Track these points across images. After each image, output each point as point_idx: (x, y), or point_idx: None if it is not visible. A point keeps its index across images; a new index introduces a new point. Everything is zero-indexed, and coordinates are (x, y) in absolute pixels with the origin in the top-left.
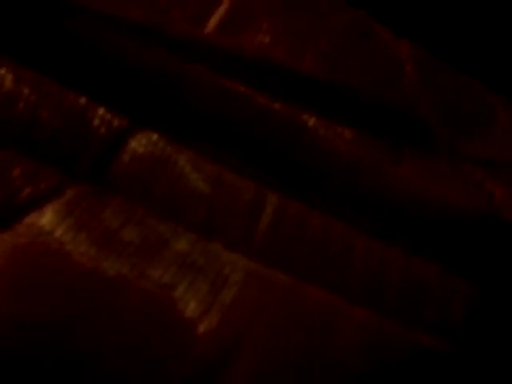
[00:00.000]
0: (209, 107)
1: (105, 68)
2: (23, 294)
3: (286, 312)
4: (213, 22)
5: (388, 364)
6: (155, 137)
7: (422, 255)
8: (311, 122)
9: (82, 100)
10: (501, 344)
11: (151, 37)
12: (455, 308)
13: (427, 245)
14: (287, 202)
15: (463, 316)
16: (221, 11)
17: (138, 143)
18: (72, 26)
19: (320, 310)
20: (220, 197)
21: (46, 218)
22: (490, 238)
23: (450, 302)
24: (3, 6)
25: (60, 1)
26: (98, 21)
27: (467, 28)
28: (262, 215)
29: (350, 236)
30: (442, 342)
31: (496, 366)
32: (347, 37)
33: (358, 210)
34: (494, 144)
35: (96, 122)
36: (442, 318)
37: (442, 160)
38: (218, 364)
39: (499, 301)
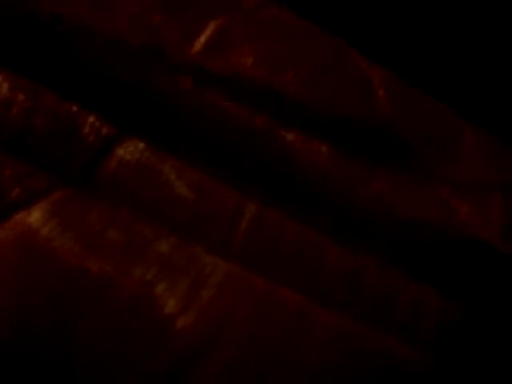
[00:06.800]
0: (194, 119)
1: (97, 79)
2: (8, 289)
3: (261, 313)
4: (197, 46)
5: (359, 368)
6: (142, 145)
7: (392, 265)
8: (290, 136)
9: (74, 108)
10: (471, 353)
11: (141, 52)
12: (425, 316)
13: (398, 255)
14: (265, 211)
15: (433, 325)
16: (207, 33)
17: (125, 151)
18: (67, 42)
19: (294, 313)
20: (202, 203)
21: (34, 216)
22: (456, 251)
23: (421, 310)
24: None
25: (55, 19)
26: (92, 37)
27: (438, 55)
28: (241, 222)
29: (323, 244)
30: (412, 349)
31: (466, 375)
32: (325, 61)
33: (332, 221)
34: (461, 166)
35: (86, 129)
36: (412, 326)
37: (413, 178)
38: (195, 357)
39: (468, 310)
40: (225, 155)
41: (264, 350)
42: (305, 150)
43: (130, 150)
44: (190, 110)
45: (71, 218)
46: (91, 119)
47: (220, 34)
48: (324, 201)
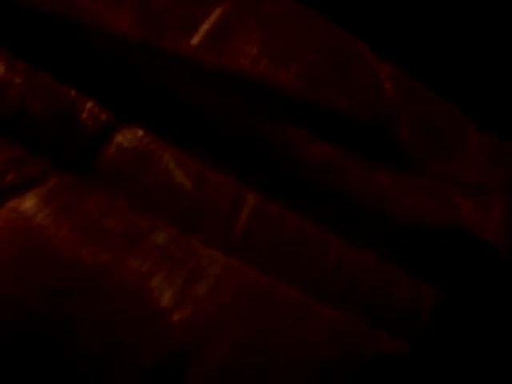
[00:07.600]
0: (194, 110)
1: (97, 64)
2: (1, 275)
3: (258, 308)
4: (201, 32)
5: (356, 366)
6: (141, 133)
7: (393, 260)
8: (291, 130)
9: (72, 93)
10: (464, 350)
11: (141, 41)
12: (423, 313)
13: (398, 251)
14: (265, 203)
15: (430, 321)
16: (210, 22)
17: (124, 138)
18: (67, 30)
19: (292, 309)
20: (201, 194)
21: (28, 203)
22: (457, 248)
23: (420, 308)
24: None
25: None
26: (91, 26)
27: (447, 54)
28: (240, 214)
29: (324, 239)
30: (407, 345)
31: (456, 371)
32: (331, 54)
33: (333, 215)
34: (464, 164)
35: (84, 114)
36: (411, 324)
37: (416, 174)
38: (189, 353)
39: (464, 308)
40: (225, 147)
41: (260, 347)
42: (306, 145)
43: (128, 138)
44: (190, 101)
45: (67, 205)
46: (89, 105)
47: (222, 24)
48: (325, 194)
